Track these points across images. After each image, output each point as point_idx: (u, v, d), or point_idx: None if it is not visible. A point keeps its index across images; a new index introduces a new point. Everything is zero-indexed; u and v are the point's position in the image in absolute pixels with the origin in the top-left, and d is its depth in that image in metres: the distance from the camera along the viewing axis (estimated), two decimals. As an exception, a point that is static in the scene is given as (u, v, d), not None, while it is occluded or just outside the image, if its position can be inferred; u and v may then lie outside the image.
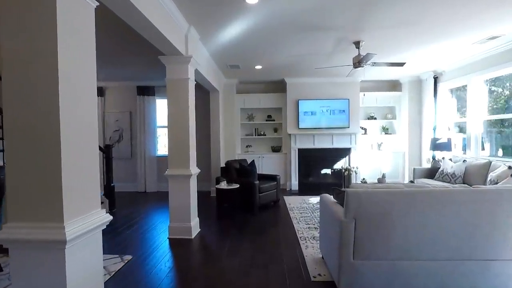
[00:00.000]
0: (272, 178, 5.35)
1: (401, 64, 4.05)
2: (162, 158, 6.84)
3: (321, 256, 2.94)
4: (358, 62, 3.97)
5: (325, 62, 5.14)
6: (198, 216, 3.97)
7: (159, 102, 6.95)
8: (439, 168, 5.01)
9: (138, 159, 6.68)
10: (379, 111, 7.15)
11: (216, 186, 4.60)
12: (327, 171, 6.77)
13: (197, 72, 4.35)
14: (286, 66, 5.50)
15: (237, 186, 4.61)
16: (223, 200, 4.61)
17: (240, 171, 5.22)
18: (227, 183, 4.73)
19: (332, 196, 2.71)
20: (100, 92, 6.74)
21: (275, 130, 7.09)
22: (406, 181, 6.67)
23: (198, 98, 6.93)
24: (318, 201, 5.61)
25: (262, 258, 3.01)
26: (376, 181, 4.11)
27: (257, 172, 5.61)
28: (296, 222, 4.14)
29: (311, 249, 3.16)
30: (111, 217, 1.66)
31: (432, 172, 5.08)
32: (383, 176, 3.69)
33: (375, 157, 6.82)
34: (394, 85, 7.13)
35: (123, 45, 4.17)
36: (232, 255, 3.09)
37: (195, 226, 3.73)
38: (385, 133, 7.04)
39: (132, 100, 6.77)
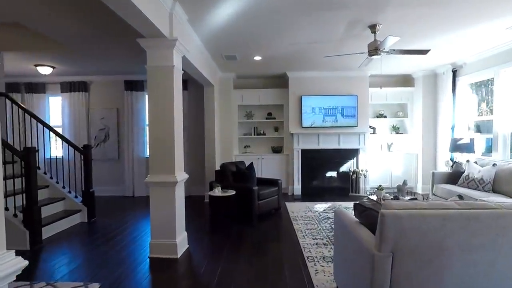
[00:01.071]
0: (273, 182, 4.76)
1: (425, 52, 3.46)
2: (152, 159, 6.23)
3: (335, 286, 2.36)
4: (375, 49, 3.38)
5: (333, 51, 4.54)
6: (187, 229, 3.39)
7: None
8: (462, 172, 4.42)
9: (126, 160, 6.09)
10: (389, 109, 6.56)
11: (209, 193, 4.01)
12: (333, 174, 6.19)
13: (187, 62, 3.76)
14: (289, 57, 4.91)
15: (233, 192, 4.02)
16: (217, 208, 4.02)
17: (236, 175, 4.62)
18: (221, 189, 4.14)
19: (352, 213, 2.12)
20: (84, 87, 6.14)
21: (276, 129, 6.50)
22: (420, 185, 6.09)
23: (191, 94, 6.39)
24: (325, 209, 4.97)
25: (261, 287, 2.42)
26: (396, 189, 3.52)
27: (256, 176, 5.03)
28: (302, 235, 3.55)
29: (322, 275, 2.57)
30: (25, 263, 1.07)
31: (454, 177, 4.50)
32: (404, 183, 3.12)
33: (385, 159, 6.24)
34: (405, 80, 6.54)
35: (104, 31, 3.58)
36: (224, 283, 2.50)
37: (182, 242, 3.14)
38: (396, 133, 6.45)
39: (119, 96, 6.17)
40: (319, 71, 5.97)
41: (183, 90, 6.19)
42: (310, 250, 3.10)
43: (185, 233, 3.30)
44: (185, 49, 3.19)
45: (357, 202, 1.97)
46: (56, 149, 5.43)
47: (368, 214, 1.84)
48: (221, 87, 6.10)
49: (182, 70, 3.31)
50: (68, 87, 6.11)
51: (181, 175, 3.11)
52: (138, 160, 6.11)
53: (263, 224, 4.12)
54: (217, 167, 5.38)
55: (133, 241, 3.57)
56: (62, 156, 4.69)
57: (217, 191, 4.00)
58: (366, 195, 5.82)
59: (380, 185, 3.53)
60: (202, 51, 4.41)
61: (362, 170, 5.92)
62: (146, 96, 6.29)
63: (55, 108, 6.43)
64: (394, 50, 3.44)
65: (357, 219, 1.97)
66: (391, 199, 3.32)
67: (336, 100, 5.99)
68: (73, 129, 6.13)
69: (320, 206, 4.96)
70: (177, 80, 3.10)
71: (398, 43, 3.92)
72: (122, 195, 6.15)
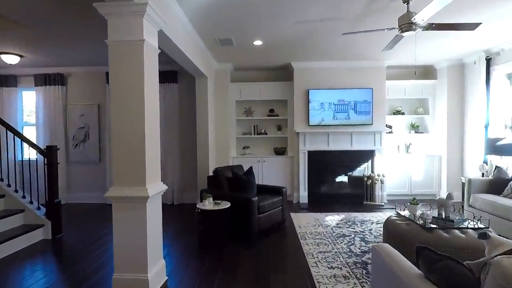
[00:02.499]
0: (276, 191, 3.99)
1: (473, 26, 2.68)
2: (139, 162, 5.48)
3: None
4: (409, 24, 2.61)
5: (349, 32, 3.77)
6: (169, 252, 2.65)
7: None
8: (507, 179, 3.64)
9: (108, 163, 5.34)
10: (407, 105, 5.78)
11: (199, 205, 3.25)
12: (344, 179, 5.42)
13: (171, 46, 3.03)
14: (294, 42, 4.14)
15: (227, 205, 3.26)
16: (208, 224, 3.26)
17: (232, 182, 3.87)
18: (214, 199, 3.39)
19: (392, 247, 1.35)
20: (61, 80, 5.40)
21: (279, 128, 5.73)
22: (444, 192, 5.31)
23: (182, 87, 5.46)
24: (338, 222, 4.02)
25: None
26: (437, 205, 2.73)
27: (256, 183, 4.28)
28: (313, 262, 2.79)
29: (347, 332, 1.80)
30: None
31: (496, 185, 3.72)
32: (449, 197, 2.34)
33: (403, 162, 5.46)
34: (426, 72, 5.76)
35: (75, 10, 2.83)
36: None
37: (157, 275, 2.38)
38: (415, 132, 5.67)
39: (101, 90, 5.43)
40: (328, 61, 5.20)
41: (172, 82, 5.49)
42: (326, 286, 2.33)
43: (163, 262, 2.54)
44: (162, 20, 2.43)
45: (423, 246, 1.19)
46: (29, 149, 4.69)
47: (448, 268, 1.06)
48: (217, 80, 5.34)
49: (160, 50, 2.56)
50: (42, 80, 5.37)
51: (156, 187, 2.35)
52: (122, 163, 5.35)
53: (264, 243, 3.35)
54: (211, 172, 4.63)
55: (99, 268, 2.81)
56: (29, 159, 3.94)
57: (208, 203, 3.24)
58: (382, 204, 5.05)
59: (414, 199, 2.76)
60: (191, 34, 3.65)
61: (378, 175, 5.15)
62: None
63: (30, 104, 5.69)
64: (433, 24, 2.67)
65: (422, 273, 1.19)
66: (440, 220, 2.54)
67: (348, 94, 5.22)
68: (49, 127, 5.39)
69: (332, 219, 4.19)
70: (150, 61, 2.34)
71: (436, 17, 3.15)
72: (103, 203, 5.40)
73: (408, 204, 2.81)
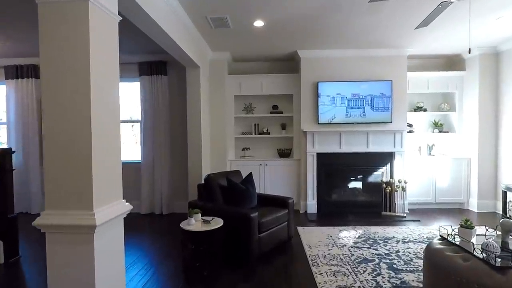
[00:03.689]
0: (281, 202, 3.30)
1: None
2: (125, 166, 4.81)
3: None
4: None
5: (369, 6, 3.08)
6: (147, 281, 1.96)
7: (123, 85, 4.90)
8: None
9: (88, 167, 4.67)
10: (429, 100, 5.06)
11: (183, 225, 2.55)
12: (357, 185, 4.71)
13: (147, 21, 2.36)
14: (303, 23, 3.45)
15: (219, 224, 2.57)
16: (195, 247, 2.57)
17: (228, 192, 3.18)
18: (204, 215, 2.71)
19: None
20: (35, 72, 4.74)
21: (284, 127, 5.03)
22: (475, 201, 4.58)
23: (173, 80, 4.64)
24: (356, 240, 3.33)
25: None
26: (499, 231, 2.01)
27: (257, 191, 3.60)
28: (331, 304, 2.09)
29: None
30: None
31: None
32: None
33: (425, 165, 4.74)
34: (452, 63, 5.03)
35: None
36: None
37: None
38: (439, 131, 4.95)
39: (80, 83, 4.75)
40: (341, 49, 4.49)
41: (161, 75, 4.65)
42: None
43: (125, 311, 1.85)
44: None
45: None
46: None
47: None
48: (212, 71, 4.65)
49: (138, 31, 1.88)
50: (14, 73, 4.72)
51: (111, 210, 1.67)
52: (104, 167, 4.69)
53: (267, 271, 2.66)
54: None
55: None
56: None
57: (194, 222, 2.55)
58: (403, 215, 4.33)
59: (467, 220, 2.04)
60: (174, 8, 2.96)
61: (399, 181, 4.43)
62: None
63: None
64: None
65: None
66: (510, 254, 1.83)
67: (364, 88, 4.50)
68: (21, 125, 4.73)
69: (348, 236, 3.49)
70: (103, 32, 1.65)
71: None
72: (84, 212, 4.73)
73: (459, 227, 2.09)
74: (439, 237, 2.23)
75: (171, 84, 4.68)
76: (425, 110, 4.97)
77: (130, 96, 4.90)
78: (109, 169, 1.68)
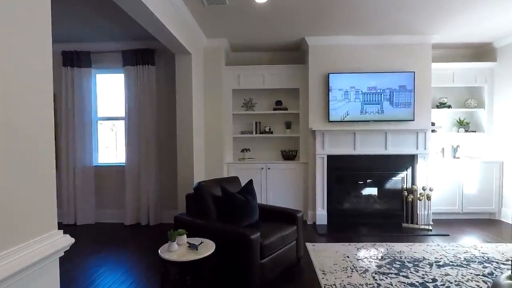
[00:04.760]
0: (288, 217, 2.70)
1: None
2: (106, 169, 4.23)
3: None
4: None
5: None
6: None
7: (101, 77, 4.33)
8: None
9: (65, 171, 4.08)
10: (454, 95, 4.46)
11: (162, 252, 1.95)
12: (372, 191, 4.11)
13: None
14: (312, 0, 2.85)
15: (209, 250, 1.97)
16: (178, 277, 1.96)
17: (223, 204, 2.58)
18: (191, 236, 2.12)
19: None
20: (4, 61, 4.13)
21: (288, 125, 4.43)
22: (509, 212, 3.98)
23: (161, 71, 4.01)
24: (379, 262, 2.57)
25: None
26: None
27: (259, 201, 3.00)
28: None
29: None
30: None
31: None
32: None
33: (449, 169, 4.14)
34: (481, 53, 4.43)
35: None
36: None
37: None
38: (465, 130, 4.34)
39: (55, 74, 4.15)
40: (355, 35, 3.90)
41: (148, 64, 3.82)
42: None
43: None
44: None
45: None
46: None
47: None
48: (207, 61, 4.05)
49: None
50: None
51: (29, 252, 1.05)
52: (83, 171, 4.10)
53: (272, 310, 2.06)
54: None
55: None
56: None
57: (177, 247, 1.95)
58: (429, 227, 3.73)
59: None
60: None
61: (424, 189, 3.82)
62: (97, 75, 4.28)
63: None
64: None
65: None
66: None
67: (382, 80, 3.90)
68: (-12, 124, 4.13)
69: (368, 256, 2.89)
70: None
71: None
72: (59, 222, 4.12)
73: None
74: (509, 273, 1.63)
75: (160, 75, 4.08)
76: (449, 106, 4.36)
77: (113, 90, 4.30)
78: (26, 185, 1.07)
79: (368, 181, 4.07)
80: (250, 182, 2.77)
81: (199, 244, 2.00)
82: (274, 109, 4.37)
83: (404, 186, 3.94)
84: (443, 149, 4.41)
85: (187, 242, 2.02)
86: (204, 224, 2.39)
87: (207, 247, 1.99)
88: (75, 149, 4.06)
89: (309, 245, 3.17)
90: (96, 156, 4.26)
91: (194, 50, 3.55)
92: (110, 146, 4.42)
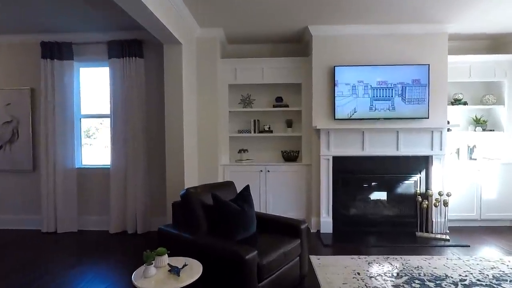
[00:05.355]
0: (290, 228, 2.34)
1: None
2: (89, 171, 3.86)
3: None
4: None
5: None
6: None
7: (85, 72, 3.96)
8: None
9: (45, 173, 3.71)
10: (470, 91, 4.10)
11: (135, 280, 1.58)
12: (381, 196, 3.74)
13: None
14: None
15: (194, 276, 1.60)
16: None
17: (215, 215, 2.21)
18: (175, 253, 1.75)
19: None
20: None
21: (289, 124, 4.06)
22: (534, 218, 3.61)
23: (150, 64, 3.59)
24: (395, 280, 2.19)
25: None
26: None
27: (257, 207, 2.64)
28: None
29: None
30: None
31: None
32: None
33: (465, 172, 3.78)
34: (499, 44, 4.07)
35: None
36: None
37: None
38: (482, 129, 3.98)
39: (34, 67, 3.79)
40: (364, 25, 3.53)
41: (135, 57, 3.39)
42: None
43: None
44: None
45: None
46: None
47: None
48: (201, 53, 3.68)
49: None
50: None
51: None
52: (65, 173, 3.73)
53: None
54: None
55: None
56: None
57: (154, 272, 1.58)
58: (446, 237, 3.36)
59: None
60: None
61: (440, 194, 3.46)
62: (80, 68, 3.91)
63: None
64: None
65: None
66: None
67: (393, 74, 3.53)
68: (-39, 122, 3.77)
69: (382, 272, 2.52)
70: None
71: None
72: (38, 229, 3.78)
73: None
74: None
75: (149, 69, 3.71)
76: (464, 103, 4.00)
77: (98, 85, 3.93)
78: None
79: (377, 185, 3.71)
80: (247, 189, 2.41)
81: (182, 267, 1.63)
82: (274, 106, 4.01)
83: (418, 191, 3.57)
84: (458, 149, 4.04)
85: (168, 264, 1.65)
86: (191, 240, 2.02)
87: (192, 271, 1.62)
88: (55, 149, 3.69)
89: (313, 259, 2.81)
90: (79, 157, 3.89)
91: (185, 40, 3.18)
92: (96, 146, 4.05)
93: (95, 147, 4.06)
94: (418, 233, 3.46)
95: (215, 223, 2.22)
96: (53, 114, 3.69)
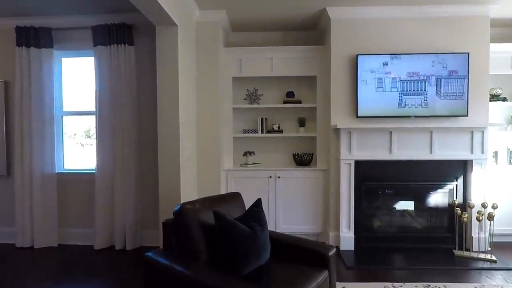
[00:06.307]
0: (314, 255, 1.81)
1: None
2: (72, 177, 3.35)
3: None
4: None
5: None
6: None
7: (67, 62, 3.44)
8: None
9: (20, 179, 3.20)
10: (509, 85, 3.56)
11: None
12: (408, 206, 3.21)
13: None
14: None
15: None
16: None
17: (217, 238, 1.69)
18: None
19: None
20: None
21: (302, 123, 3.54)
22: None
23: (142, 53, 3.03)
24: None
25: None
26: None
27: (269, 229, 2.13)
28: None
29: None
30: None
31: None
32: None
33: (506, 179, 3.25)
34: (545, 32, 3.54)
35: None
36: None
37: None
38: (524, 130, 3.45)
39: (8, 57, 3.28)
40: (391, 5, 3.01)
41: (124, 44, 2.82)
42: None
43: None
44: None
45: None
46: None
47: None
48: (201, 41, 3.16)
49: None
50: None
51: None
52: (42, 179, 3.22)
53: None
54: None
55: None
56: None
57: None
58: (493, 257, 2.82)
59: None
60: None
61: (484, 206, 2.92)
62: (62, 58, 3.41)
63: None
64: None
65: None
66: None
67: (426, 64, 3.01)
68: None
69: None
70: None
71: None
72: (12, 243, 3.27)
73: None
74: None
75: (141, 58, 3.20)
76: (504, 99, 3.47)
77: (84, 78, 3.42)
78: None
79: (405, 194, 3.18)
80: (258, 204, 1.89)
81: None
82: (285, 102, 3.49)
83: (455, 201, 3.04)
84: (495, 152, 3.51)
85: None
86: (186, 276, 1.51)
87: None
88: (32, 152, 3.18)
89: (338, 287, 2.28)
90: (61, 161, 3.38)
91: (181, 22, 2.67)
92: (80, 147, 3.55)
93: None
94: (457, 252, 2.93)
95: (217, 250, 1.71)
96: (29, 110, 3.18)
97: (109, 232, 3.19)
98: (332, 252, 1.81)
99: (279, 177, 3.28)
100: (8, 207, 3.31)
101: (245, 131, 3.55)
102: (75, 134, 3.57)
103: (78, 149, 3.54)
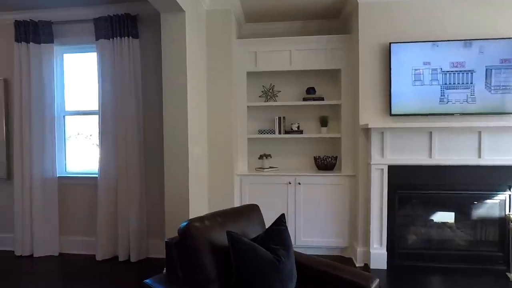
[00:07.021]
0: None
1: None
2: (74, 181, 3.10)
3: None
4: None
5: None
6: None
7: (70, 58, 3.20)
8: None
9: (20, 183, 2.99)
10: None
11: None
12: (448, 218, 2.77)
13: None
14: None
15: None
16: None
17: (233, 265, 1.36)
18: None
19: None
20: None
21: (324, 122, 3.16)
22: None
23: (145, 45, 2.76)
24: None
25: None
26: None
27: (294, 249, 1.76)
28: None
29: None
30: None
31: None
32: None
33: None
34: None
35: None
36: None
37: None
38: None
39: (7, 53, 3.08)
40: (433, -15, 2.59)
41: (128, 37, 2.51)
42: None
43: None
44: None
45: None
46: None
47: None
48: (211, 32, 2.85)
49: None
50: None
51: None
52: (42, 184, 2.99)
53: None
54: (192, 215, 2.17)
55: None
56: None
57: None
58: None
59: None
60: None
61: (546, 220, 2.46)
62: (64, 54, 3.17)
63: None
64: None
65: None
66: None
67: (473, 52, 2.57)
68: None
69: None
70: None
71: None
72: (11, 250, 3.06)
73: None
74: None
75: (146, 52, 2.92)
76: (562, 94, 2.96)
77: (87, 75, 3.17)
78: None
79: (445, 205, 2.75)
80: (281, 220, 1.54)
81: None
82: (305, 99, 3.12)
83: (509, 214, 2.59)
84: (551, 156, 3.01)
85: None
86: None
87: None
88: (32, 155, 2.95)
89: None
90: (62, 164, 3.15)
91: (189, 8, 2.36)
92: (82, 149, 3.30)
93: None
94: (511, 275, 2.48)
95: (232, 279, 1.37)
96: (29, 110, 2.95)
97: (112, 241, 2.92)
98: (374, 284, 1.44)
99: (299, 183, 2.91)
100: (8, 211, 3.10)
101: (260, 132, 3.21)
102: (78, 134, 3.32)
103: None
